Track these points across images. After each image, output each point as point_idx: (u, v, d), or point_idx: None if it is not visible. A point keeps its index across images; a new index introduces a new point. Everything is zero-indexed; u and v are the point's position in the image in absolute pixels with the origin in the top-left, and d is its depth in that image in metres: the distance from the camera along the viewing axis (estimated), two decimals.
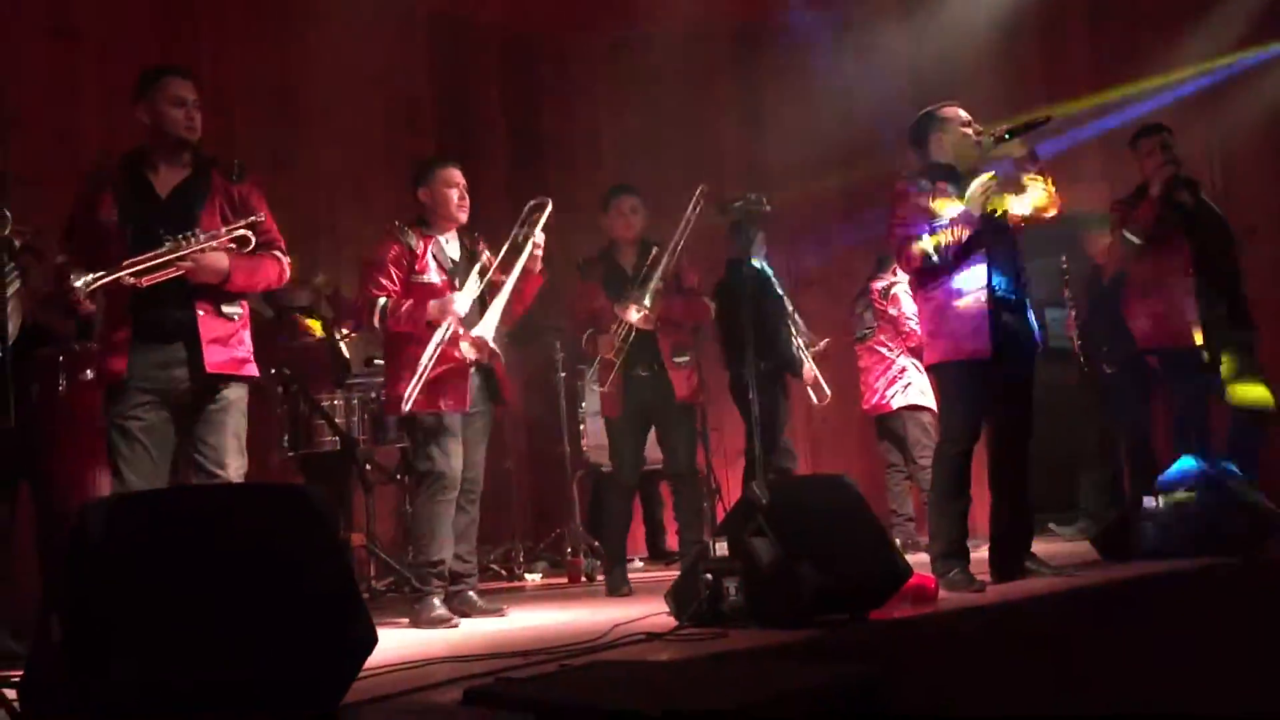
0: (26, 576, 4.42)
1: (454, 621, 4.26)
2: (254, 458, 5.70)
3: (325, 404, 5.57)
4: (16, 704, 2.47)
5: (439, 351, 4.33)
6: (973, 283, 4.34)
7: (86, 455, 4.91)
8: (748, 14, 7.67)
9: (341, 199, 6.83)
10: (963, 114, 4.53)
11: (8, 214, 3.64)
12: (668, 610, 3.80)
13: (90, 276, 3.54)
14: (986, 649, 3.68)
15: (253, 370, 3.89)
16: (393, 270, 4.46)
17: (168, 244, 3.65)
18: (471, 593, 4.54)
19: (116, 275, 3.58)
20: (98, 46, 5.81)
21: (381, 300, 4.41)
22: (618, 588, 5.14)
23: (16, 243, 3.87)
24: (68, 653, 2.27)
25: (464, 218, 4.58)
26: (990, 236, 4.34)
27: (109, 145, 5.12)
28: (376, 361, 6.13)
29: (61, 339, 4.72)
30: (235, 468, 3.78)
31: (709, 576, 3.57)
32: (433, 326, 4.36)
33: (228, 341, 3.79)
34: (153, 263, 3.63)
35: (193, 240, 3.66)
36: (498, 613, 4.46)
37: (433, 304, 4.39)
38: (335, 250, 6.76)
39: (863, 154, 7.18)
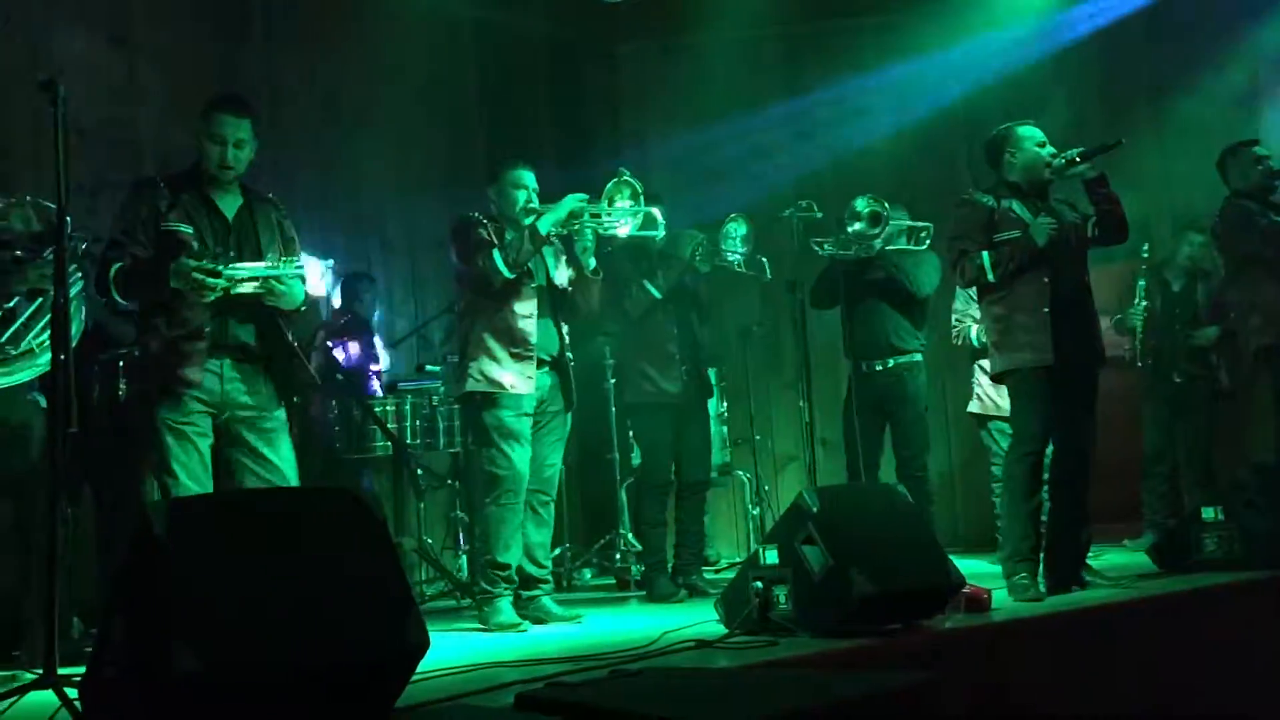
0: (90, 579, 4.51)
1: (522, 627, 4.29)
2: (306, 462, 5.82)
3: (377, 409, 5.62)
4: (78, 703, 2.52)
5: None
6: (1034, 293, 4.36)
7: (144, 459, 5.02)
8: (797, 20, 7.65)
9: (389, 204, 6.90)
10: (1038, 133, 4.53)
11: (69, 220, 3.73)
12: (717, 618, 3.80)
13: (240, 267, 3.66)
14: (1038, 659, 3.64)
15: (307, 390, 3.96)
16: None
17: (269, 259, 3.74)
18: (546, 599, 4.53)
19: (262, 271, 3.69)
20: (156, 56, 5.91)
21: (496, 253, 4.42)
22: (663, 594, 5.14)
23: (79, 245, 3.95)
24: (130, 652, 2.32)
25: (529, 221, 4.55)
26: (1052, 250, 4.34)
27: (166, 153, 5.23)
28: (429, 368, 6.20)
29: (120, 343, 4.82)
30: (289, 476, 3.84)
31: (759, 584, 3.56)
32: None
33: (288, 363, 3.88)
34: (257, 274, 3.70)
35: (281, 264, 3.74)
36: (574, 620, 4.44)
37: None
38: (383, 253, 6.83)
39: (916, 163, 7.14)
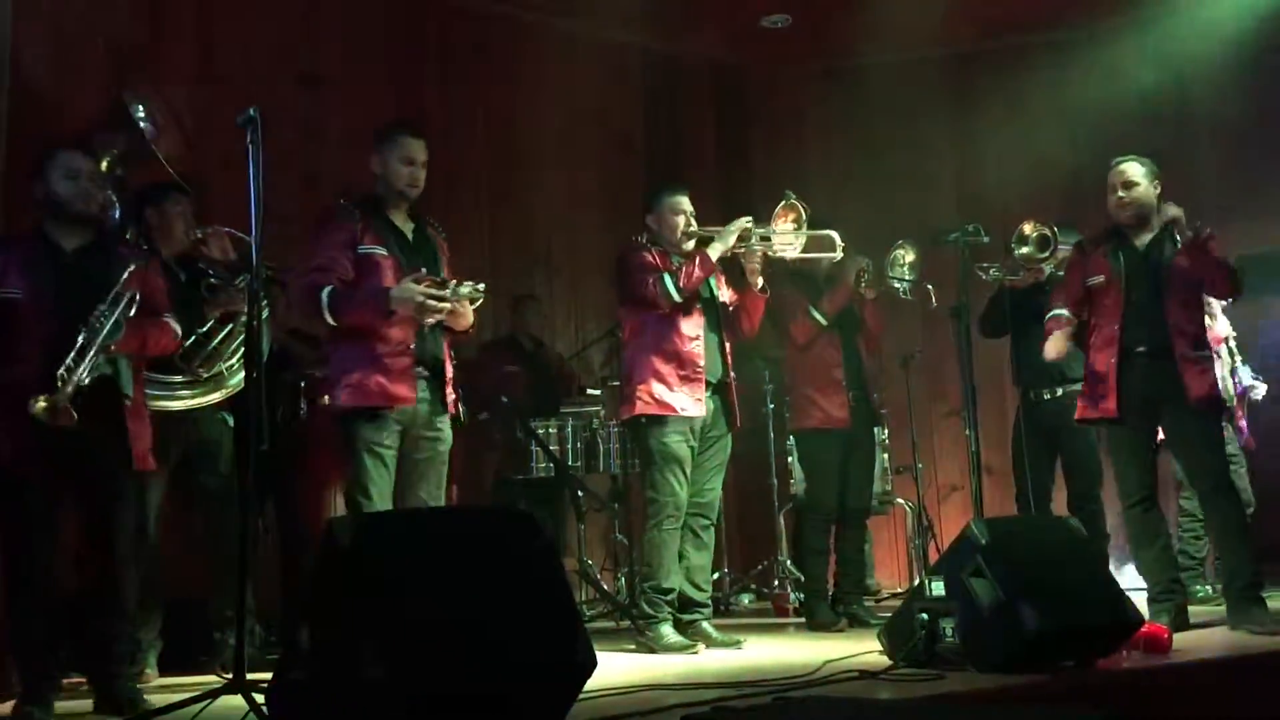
0: (270, 592, 4.73)
1: (696, 648, 4.32)
2: (470, 482, 5.99)
3: (540, 430, 5.74)
4: (265, 708, 2.65)
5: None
6: (1104, 339, 4.42)
7: (323, 475, 5.24)
8: (960, 40, 7.52)
9: (556, 231, 7.06)
10: (1129, 171, 4.51)
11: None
12: (880, 649, 3.74)
13: (473, 285, 3.82)
14: (1218, 703, 3.45)
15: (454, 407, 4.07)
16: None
17: (463, 285, 3.84)
18: (706, 624, 4.54)
19: (477, 286, 3.84)
20: (339, 91, 6.20)
21: (667, 277, 4.49)
22: (823, 622, 5.09)
23: (267, 273, 4.16)
24: (316, 659, 2.43)
25: (689, 246, 4.63)
26: (1139, 291, 4.37)
27: (345, 186, 5.47)
28: (590, 391, 6.30)
29: (303, 365, 5.06)
30: (439, 500, 3.96)
31: (924, 616, 3.50)
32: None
33: (451, 385, 4.00)
34: (456, 295, 3.82)
35: (468, 286, 3.85)
36: (735, 645, 4.44)
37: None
38: (548, 280, 6.99)
39: (1087, 182, 6.91)
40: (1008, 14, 7.15)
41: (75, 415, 3.27)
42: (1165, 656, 3.65)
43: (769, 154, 7.90)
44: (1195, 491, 4.33)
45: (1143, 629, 3.63)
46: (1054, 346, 4.63)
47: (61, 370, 3.30)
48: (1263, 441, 6.10)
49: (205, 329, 4.20)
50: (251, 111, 3.23)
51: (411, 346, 3.84)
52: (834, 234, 4.76)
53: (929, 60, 7.58)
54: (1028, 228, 5.07)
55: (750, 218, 4.62)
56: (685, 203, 4.69)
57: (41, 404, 3.25)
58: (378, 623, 2.36)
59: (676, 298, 4.47)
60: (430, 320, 3.80)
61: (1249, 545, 4.36)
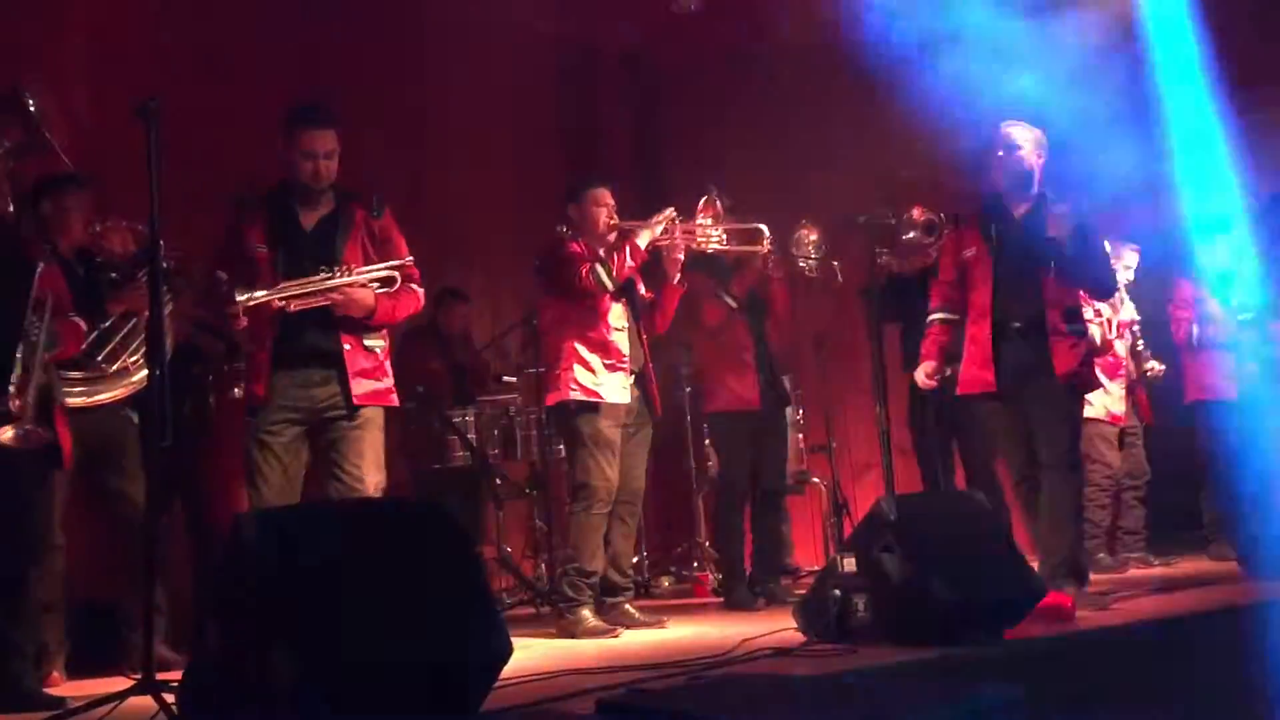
0: (179, 588, 4.64)
1: (615, 631, 4.35)
2: (387, 473, 5.92)
3: (457, 420, 5.70)
4: (174, 707, 2.61)
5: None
6: (979, 311, 4.38)
7: (233, 471, 5.15)
8: (859, 29, 7.60)
9: (472, 221, 7.00)
10: (1014, 134, 4.43)
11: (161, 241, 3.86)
12: (794, 626, 3.79)
13: (251, 293, 3.71)
14: (1121, 669, 3.57)
15: (394, 400, 4.00)
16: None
17: (322, 273, 3.79)
18: (628, 605, 4.62)
19: (273, 295, 3.74)
20: (245, 76, 6.07)
21: (600, 267, 4.50)
22: (741, 603, 5.15)
23: (168, 265, 4.07)
24: (225, 657, 2.40)
25: (613, 239, 4.66)
26: (1011, 264, 4.32)
27: (254, 172, 5.37)
28: (506, 379, 6.28)
29: (211, 359, 4.97)
30: (374, 483, 3.89)
31: (837, 593, 3.55)
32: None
33: (372, 373, 3.90)
34: (306, 290, 3.77)
35: (344, 273, 3.80)
36: (658, 624, 4.51)
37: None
38: (466, 271, 6.93)
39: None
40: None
41: (45, 432, 3.23)
42: (1070, 624, 3.77)
43: (684, 141, 7.92)
44: (1042, 463, 4.30)
45: (1047, 599, 3.73)
46: (924, 376, 4.57)
47: (12, 392, 3.26)
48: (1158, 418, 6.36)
49: (108, 324, 4.11)
50: (150, 101, 3.16)
51: (284, 341, 3.79)
52: (762, 226, 4.81)
53: (837, 45, 7.66)
54: (916, 212, 5.15)
55: (673, 209, 4.67)
56: (608, 195, 4.71)
57: (9, 434, 3.20)
58: (287, 619, 2.33)
59: (610, 287, 4.51)
60: (288, 308, 3.74)
61: (1077, 527, 4.40)
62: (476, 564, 2.69)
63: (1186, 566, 5.95)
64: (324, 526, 2.55)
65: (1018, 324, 4.32)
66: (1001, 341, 4.33)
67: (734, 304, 5.27)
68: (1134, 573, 5.81)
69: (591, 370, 4.52)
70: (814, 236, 5.38)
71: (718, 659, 3.26)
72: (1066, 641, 3.59)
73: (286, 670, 2.27)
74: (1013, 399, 4.35)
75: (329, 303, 3.79)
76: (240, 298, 3.68)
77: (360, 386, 3.84)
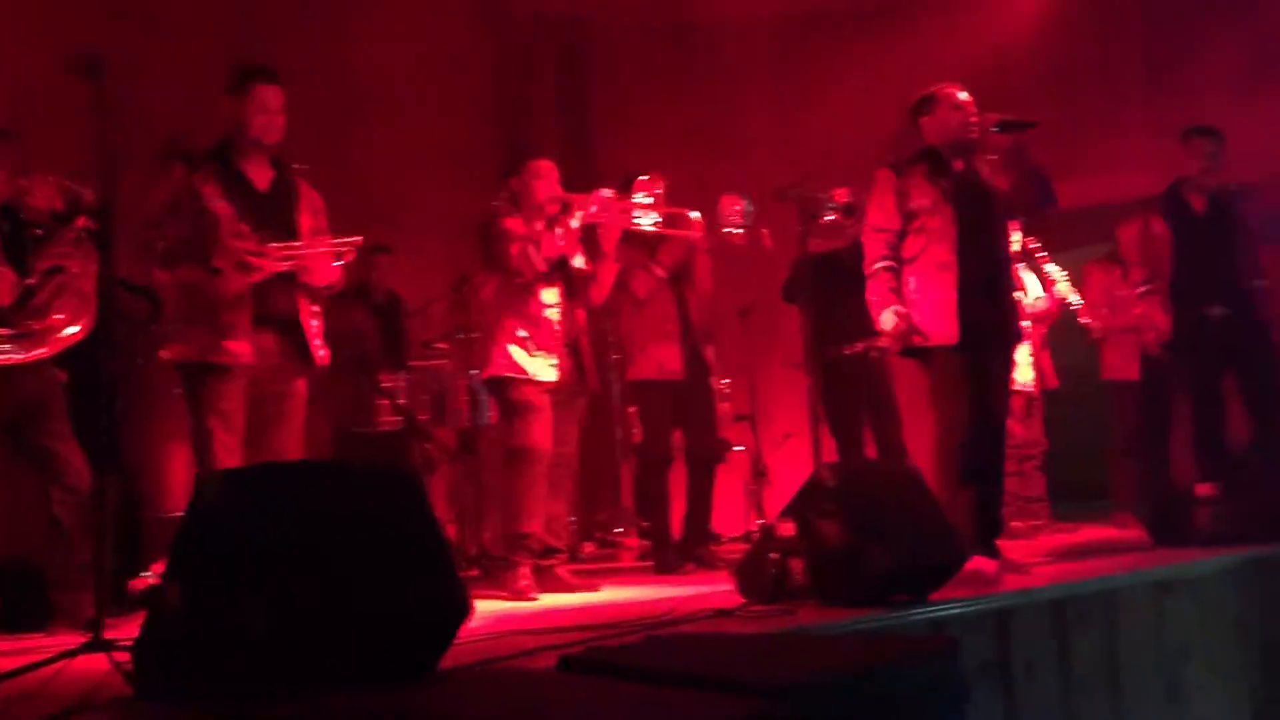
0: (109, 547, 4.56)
1: (532, 595, 4.40)
2: (317, 436, 5.88)
3: (386, 384, 5.68)
4: (130, 667, 2.59)
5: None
6: (939, 264, 4.25)
7: (161, 431, 5.08)
8: (795, 1, 7.70)
9: (396, 186, 6.93)
10: (958, 95, 4.38)
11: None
12: (732, 588, 3.89)
13: (276, 245, 3.73)
14: (1041, 632, 3.75)
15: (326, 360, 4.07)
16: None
17: (300, 241, 3.82)
18: (560, 569, 4.68)
19: (297, 250, 3.77)
20: (169, 30, 5.93)
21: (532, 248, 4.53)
22: (669, 567, 5.25)
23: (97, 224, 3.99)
24: (186, 618, 2.39)
25: (551, 210, 4.68)
26: (966, 215, 4.26)
27: (176, 132, 5.25)
28: (438, 345, 6.26)
29: (134, 318, 4.87)
30: (291, 453, 3.95)
31: (776, 556, 3.66)
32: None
33: (320, 336, 3.99)
34: (292, 254, 3.78)
35: (312, 242, 3.83)
36: (590, 588, 4.59)
37: None
38: (391, 237, 6.87)
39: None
40: None
41: None
42: (991, 587, 3.93)
43: (614, 113, 7.93)
44: (985, 425, 4.21)
45: (970, 563, 3.89)
46: (895, 317, 4.28)
47: None
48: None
49: (35, 282, 4.01)
50: (93, 55, 3.09)
51: (251, 302, 3.77)
52: (696, 214, 4.86)
53: (762, 20, 7.74)
54: (839, 193, 5.21)
55: (610, 190, 4.70)
56: (549, 168, 4.73)
57: None
58: (249, 579, 2.34)
59: (541, 268, 4.55)
60: (254, 278, 3.73)
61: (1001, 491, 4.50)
62: (435, 523, 2.71)
63: (1091, 533, 6.23)
64: (286, 485, 2.55)
65: (982, 276, 4.25)
66: (966, 294, 4.21)
67: (663, 274, 5.34)
68: (1044, 539, 6.07)
69: (524, 346, 4.57)
70: (739, 205, 5.45)
71: (665, 620, 3.34)
72: (989, 603, 3.74)
73: (252, 631, 2.27)
74: (974, 355, 4.23)
75: (298, 269, 3.80)
76: (275, 246, 3.70)
77: (318, 350, 3.94)
